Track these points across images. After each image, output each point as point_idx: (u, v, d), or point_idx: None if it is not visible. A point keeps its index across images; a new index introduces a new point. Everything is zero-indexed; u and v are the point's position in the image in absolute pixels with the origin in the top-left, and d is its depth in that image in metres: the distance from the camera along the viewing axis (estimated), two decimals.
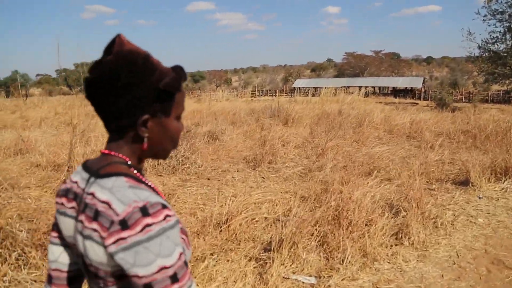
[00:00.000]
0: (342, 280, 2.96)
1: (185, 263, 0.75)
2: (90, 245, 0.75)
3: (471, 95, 29.31)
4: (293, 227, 3.25)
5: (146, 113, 0.79)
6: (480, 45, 21.66)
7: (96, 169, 0.80)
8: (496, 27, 21.48)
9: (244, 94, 36.85)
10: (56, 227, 0.92)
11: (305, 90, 35.53)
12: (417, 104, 24.83)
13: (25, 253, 3.02)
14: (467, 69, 44.37)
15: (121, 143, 0.82)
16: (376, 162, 6.43)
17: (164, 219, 0.72)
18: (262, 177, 5.95)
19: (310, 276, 3.02)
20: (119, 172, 0.78)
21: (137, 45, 0.81)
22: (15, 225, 3.08)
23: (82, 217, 0.77)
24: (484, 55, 21.89)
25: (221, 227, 3.74)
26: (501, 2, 20.47)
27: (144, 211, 0.71)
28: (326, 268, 3.11)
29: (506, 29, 20.83)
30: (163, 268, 0.70)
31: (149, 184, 0.81)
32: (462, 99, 29.35)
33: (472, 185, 5.10)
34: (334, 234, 3.40)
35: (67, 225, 0.84)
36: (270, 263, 3.07)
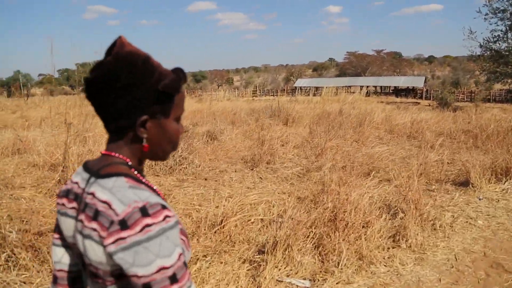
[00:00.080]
0: (337, 283, 2.90)
1: (185, 264, 0.75)
2: (89, 245, 0.76)
3: (473, 95, 29.14)
4: (288, 229, 3.19)
5: (145, 114, 0.80)
6: (482, 43, 21.45)
7: (97, 169, 0.81)
8: (497, 25, 21.18)
9: (245, 94, 36.81)
10: (57, 228, 0.93)
11: (306, 89, 35.43)
12: (418, 103, 24.69)
13: (14, 254, 2.97)
14: (469, 68, 44.11)
15: (121, 144, 0.83)
16: (376, 162, 6.36)
17: (164, 219, 0.73)
18: (260, 178, 5.89)
19: (305, 279, 2.96)
20: (119, 172, 0.78)
21: (137, 47, 0.82)
22: (4, 226, 3.03)
23: (82, 217, 0.78)
24: (485, 54, 21.68)
25: (215, 228, 3.68)
26: (503, 0, 20.33)
27: (144, 211, 0.72)
28: (321, 271, 3.05)
29: (507, 28, 20.63)
30: (163, 268, 0.71)
31: (149, 184, 0.82)
32: (464, 99, 29.19)
33: (472, 186, 5.03)
34: (330, 236, 3.34)
35: (68, 226, 0.85)
36: (264, 265, 3.02)
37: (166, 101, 0.82)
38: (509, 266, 3.16)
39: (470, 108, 17.04)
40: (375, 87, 38.07)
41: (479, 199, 4.68)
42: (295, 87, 38.82)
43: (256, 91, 39.78)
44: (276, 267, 3.03)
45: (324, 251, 3.26)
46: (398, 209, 4.05)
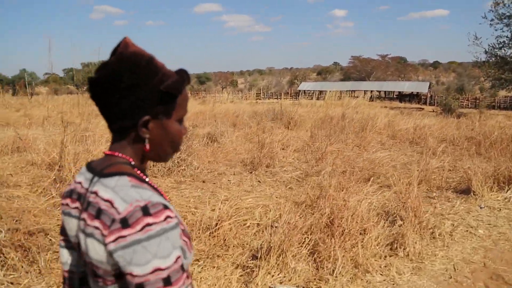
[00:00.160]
0: None
1: (182, 267, 0.74)
2: (91, 243, 0.76)
3: (477, 101, 28.95)
4: (282, 235, 3.12)
5: (147, 115, 0.80)
6: (487, 49, 21.31)
7: (100, 169, 0.82)
8: (503, 31, 21.00)
9: (249, 96, 36.78)
10: (63, 230, 0.93)
11: (310, 93, 35.38)
12: (422, 109, 24.56)
13: (3, 254, 2.92)
14: (474, 74, 43.87)
15: (124, 144, 0.83)
16: (376, 168, 6.29)
17: (165, 219, 0.73)
18: (259, 181, 5.83)
19: (298, 286, 2.89)
20: (122, 171, 0.79)
21: (142, 48, 0.82)
22: None
23: (84, 215, 0.78)
24: (490, 60, 21.54)
25: (210, 231, 3.62)
26: (509, 6, 20.14)
27: (145, 210, 0.72)
28: (315, 279, 2.98)
29: None
30: (158, 269, 0.70)
31: (152, 184, 0.83)
32: (468, 105, 29.02)
33: (473, 194, 4.93)
34: (325, 242, 3.27)
35: (71, 225, 0.85)
36: (257, 271, 2.95)
37: (168, 102, 0.82)
38: (509, 278, 3.07)
39: (474, 114, 16.89)
40: (379, 92, 37.94)
41: (481, 208, 4.59)
42: (299, 90, 38.76)
43: (260, 93, 39.76)
44: (269, 273, 2.96)
45: (319, 258, 3.19)
46: (397, 216, 3.96)
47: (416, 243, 3.48)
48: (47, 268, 2.95)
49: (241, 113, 14.22)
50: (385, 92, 38.38)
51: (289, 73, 69.50)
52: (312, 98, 29.85)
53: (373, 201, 4.44)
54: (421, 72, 66.30)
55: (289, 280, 2.94)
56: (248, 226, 3.90)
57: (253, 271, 3.00)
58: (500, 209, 4.56)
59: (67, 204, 0.87)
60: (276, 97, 37.17)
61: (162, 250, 0.71)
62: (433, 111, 22.49)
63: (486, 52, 21.39)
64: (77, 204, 0.84)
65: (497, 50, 21.13)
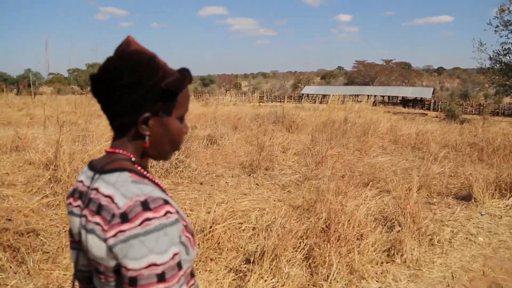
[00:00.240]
0: None
1: (179, 264, 0.73)
2: (91, 239, 0.76)
3: (481, 107, 28.79)
4: (276, 239, 3.06)
5: (148, 112, 0.80)
6: (492, 56, 21.22)
7: (101, 166, 0.82)
8: (508, 38, 20.92)
9: (252, 99, 36.74)
10: (70, 231, 0.93)
11: (313, 97, 35.30)
12: (426, 114, 24.41)
13: None
14: (478, 80, 43.63)
15: (125, 141, 0.84)
16: (377, 172, 6.21)
17: (165, 215, 0.72)
18: (257, 184, 5.76)
19: None
20: (123, 167, 0.79)
21: (144, 46, 0.83)
22: None
23: (85, 212, 0.79)
24: (495, 66, 21.44)
25: (204, 233, 3.56)
26: None
27: (145, 205, 0.72)
28: (309, 284, 2.91)
29: None
30: (153, 264, 0.70)
31: (153, 179, 0.83)
32: (472, 111, 28.85)
33: (474, 201, 4.84)
34: (321, 247, 3.20)
35: (74, 224, 0.86)
36: (249, 276, 2.88)
37: (169, 99, 0.82)
38: None
39: (478, 121, 16.75)
40: (383, 96, 37.82)
41: (481, 215, 4.50)
42: (302, 94, 38.70)
43: (263, 96, 39.72)
44: (262, 278, 2.89)
45: (314, 263, 3.12)
46: (395, 221, 3.89)
47: (414, 249, 3.40)
48: (36, 269, 2.90)
49: (243, 116, 14.16)
50: (388, 97, 38.25)
51: (293, 77, 69.41)
52: (315, 101, 29.74)
53: (372, 206, 4.37)
54: (426, 78, 66.08)
55: (282, 286, 2.87)
56: (244, 229, 3.83)
57: (246, 275, 2.94)
58: (501, 217, 4.47)
59: (70, 203, 0.88)
60: (279, 100, 37.13)
61: (160, 246, 0.70)
62: (437, 116, 22.35)
63: (490, 59, 21.33)
64: (79, 203, 0.84)
65: (501, 56, 21.06)
